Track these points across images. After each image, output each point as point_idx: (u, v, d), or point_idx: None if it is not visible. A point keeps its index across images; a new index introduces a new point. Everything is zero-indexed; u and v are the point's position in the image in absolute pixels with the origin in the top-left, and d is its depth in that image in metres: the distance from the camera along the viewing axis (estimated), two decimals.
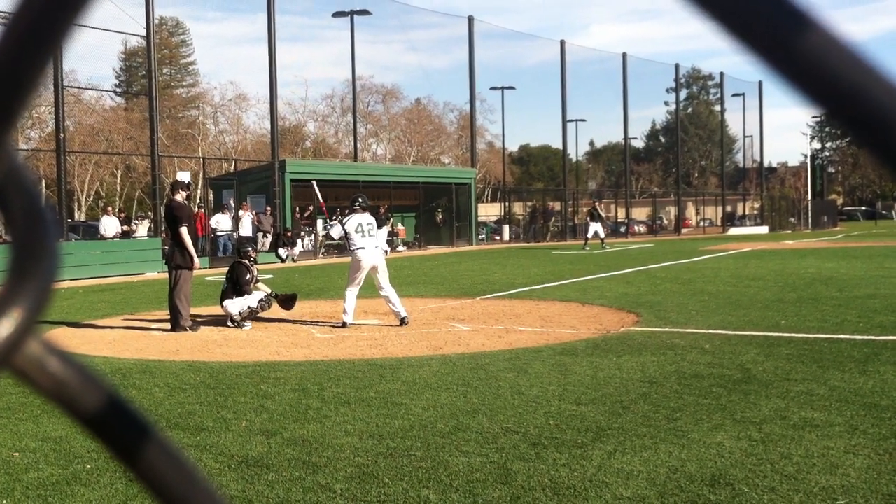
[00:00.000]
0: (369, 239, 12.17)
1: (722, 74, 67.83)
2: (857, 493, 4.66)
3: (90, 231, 33.61)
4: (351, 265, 12.41)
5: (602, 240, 37.26)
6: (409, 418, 6.57)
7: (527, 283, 19.06)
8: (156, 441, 0.52)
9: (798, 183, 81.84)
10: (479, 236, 44.71)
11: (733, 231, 59.59)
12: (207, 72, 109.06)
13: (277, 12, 32.34)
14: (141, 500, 4.78)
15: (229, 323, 12.39)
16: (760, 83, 69.65)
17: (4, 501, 4.91)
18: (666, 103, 77.15)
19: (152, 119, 28.78)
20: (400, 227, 39.57)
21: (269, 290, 13.02)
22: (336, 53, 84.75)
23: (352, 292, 12.14)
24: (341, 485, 5.01)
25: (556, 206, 51.86)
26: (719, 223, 64.70)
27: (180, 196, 12.67)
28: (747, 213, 69.66)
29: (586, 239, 37.57)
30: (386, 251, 12.70)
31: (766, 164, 78.98)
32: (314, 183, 14.43)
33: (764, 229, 60.56)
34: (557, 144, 55.86)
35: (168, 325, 12.29)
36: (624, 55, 55.02)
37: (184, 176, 31.16)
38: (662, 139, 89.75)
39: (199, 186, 41.34)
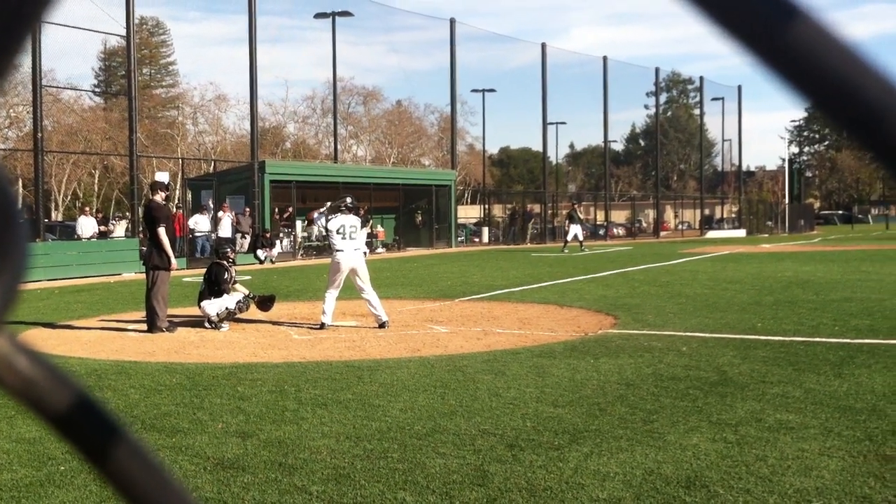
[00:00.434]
0: (350, 241, 12.15)
1: (702, 78, 68.16)
2: (832, 495, 4.70)
3: (67, 231, 33.35)
4: (330, 267, 12.39)
5: (581, 242, 37.34)
6: (386, 420, 6.56)
7: (506, 285, 19.09)
8: (126, 442, 0.52)
9: (776, 187, 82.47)
10: (459, 238, 44.70)
11: (711, 234, 59.87)
12: (187, 72, 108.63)
13: (258, 13, 32.24)
14: (115, 502, 4.76)
15: (206, 324, 12.33)
16: (740, 87, 70.14)
17: None
18: (646, 107, 77.74)
19: (131, 119, 28.62)
20: (379, 228, 39.50)
21: (246, 292, 12.98)
22: (317, 55, 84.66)
23: (331, 294, 12.13)
24: (318, 487, 5.00)
25: (536, 208, 51.92)
26: (697, 226, 64.99)
27: (159, 197, 12.67)
28: (725, 216, 70.01)
29: (565, 241, 37.64)
30: (365, 253, 12.68)
31: (744, 167, 79.53)
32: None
33: (741, 233, 60.86)
34: (538, 147, 56.01)
35: (145, 326, 12.23)
36: (604, 58, 55.18)
37: (162, 176, 30.98)
38: (642, 142, 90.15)
39: (178, 187, 41.14)
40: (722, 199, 71.67)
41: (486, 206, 51.59)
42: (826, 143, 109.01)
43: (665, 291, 16.71)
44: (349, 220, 12.28)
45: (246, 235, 31.69)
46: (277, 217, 34.56)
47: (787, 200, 70.65)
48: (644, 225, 64.43)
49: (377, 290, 12.49)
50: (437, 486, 4.96)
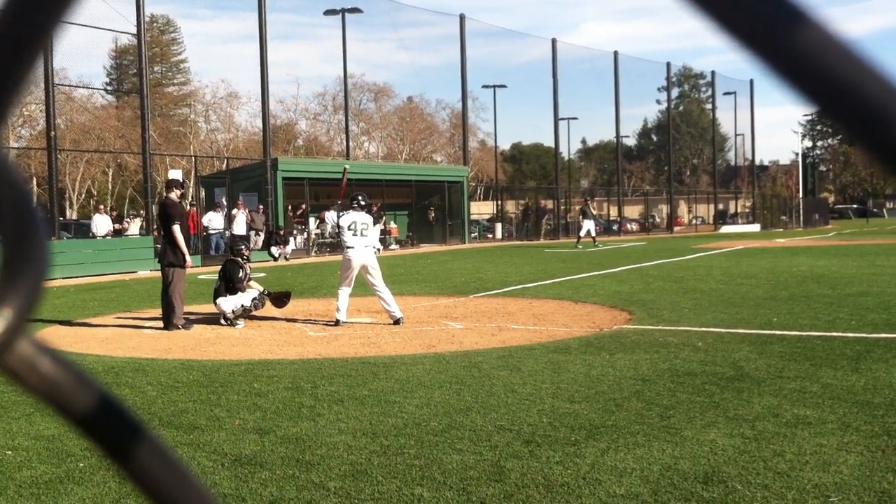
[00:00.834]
0: (360, 238, 12.15)
1: (713, 73, 67.99)
2: (850, 490, 4.67)
3: (82, 229, 33.51)
4: (342, 264, 12.41)
5: (594, 238, 37.29)
6: (402, 416, 6.56)
7: (519, 281, 19.07)
8: (148, 441, 0.52)
9: (789, 181, 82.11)
10: (472, 234, 44.72)
11: (725, 229, 59.70)
12: (199, 70, 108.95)
13: (268, 10, 32.31)
14: (134, 498, 4.77)
15: (222, 321, 12.37)
16: (752, 81, 69.83)
17: None
18: (658, 102, 77.40)
19: (143, 117, 28.71)
20: (392, 225, 39.54)
21: (261, 289, 13.00)
22: (327, 51, 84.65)
23: (344, 291, 12.14)
24: (335, 483, 5.00)
25: (549, 204, 51.87)
26: (711, 221, 64.81)
27: (174, 194, 12.74)
28: (739, 211, 69.79)
29: (578, 237, 37.61)
30: (378, 249, 12.68)
31: (757, 162, 79.22)
32: (346, 168, 14.33)
33: (756, 227, 60.68)
34: (549, 143, 56.05)
35: (161, 324, 12.27)
36: (615, 53, 55.07)
37: (175, 174, 31.09)
38: (654, 137, 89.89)
39: (191, 185, 41.27)
40: (735, 194, 71.45)
41: (499, 203, 51.58)
42: (840, 136, 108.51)
43: (680, 287, 16.66)
44: (360, 217, 12.29)
45: (260, 233, 31.77)
46: (291, 214, 34.64)
47: (801, 195, 70.44)
48: (657, 220, 64.31)
49: (391, 287, 12.50)
50: (453, 482, 4.96)
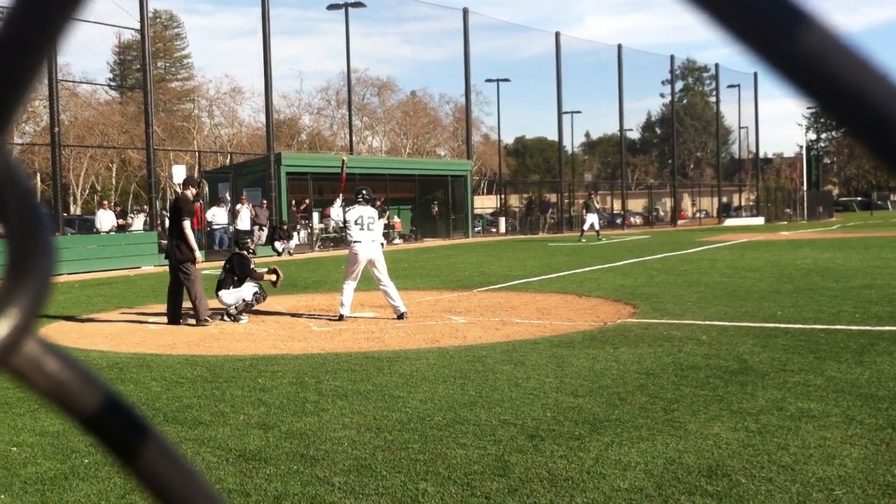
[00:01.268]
0: (367, 233, 12.15)
1: (717, 66, 67.83)
2: (854, 483, 4.67)
3: (86, 225, 33.52)
4: (348, 258, 12.40)
5: (598, 231, 37.25)
6: (406, 411, 6.57)
7: (523, 275, 19.07)
8: (154, 440, 0.52)
9: (794, 174, 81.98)
10: (476, 228, 44.69)
11: (729, 222, 59.60)
12: (202, 65, 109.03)
13: (271, 5, 32.27)
14: (139, 494, 4.78)
15: (225, 317, 12.37)
16: (756, 74, 69.65)
17: (3, 496, 4.90)
18: (661, 95, 77.37)
19: (147, 113, 28.72)
20: (396, 219, 39.52)
21: (258, 282, 12.93)
22: (331, 46, 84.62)
23: (349, 285, 12.14)
24: (339, 478, 5.01)
25: (553, 197, 51.82)
26: (715, 214, 64.73)
27: (190, 192, 12.96)
28: (743, 204, 69.71)
29: (582, 231, 37.58)
30: (382, 244, 12.68)
31: (761, 155, 79.16)
32: (344, 160, 14.30)
33: (760, 220, 60.58)
34: (553, 136, 55.87)
35: (165, 320, 12.30)
36: (619, 46, 54.95)
37: (179, 169, 31.12)
38: (658, 130, 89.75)
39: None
40: (739, 187, 71.34)
41: (503, 197, 51.54)
42: (844, 130, 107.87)
43: (683, 280, 16.65)
44: (366, 212, 12.28)
45: (264, 227, 31.79)
46: (294, 209, 34.64)
47: (805, 187, 70.25)
48: (661, 213, 64.22)
49: (395, 281, 12.51)
50: (458, 477, 4.96)
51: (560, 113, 51.11)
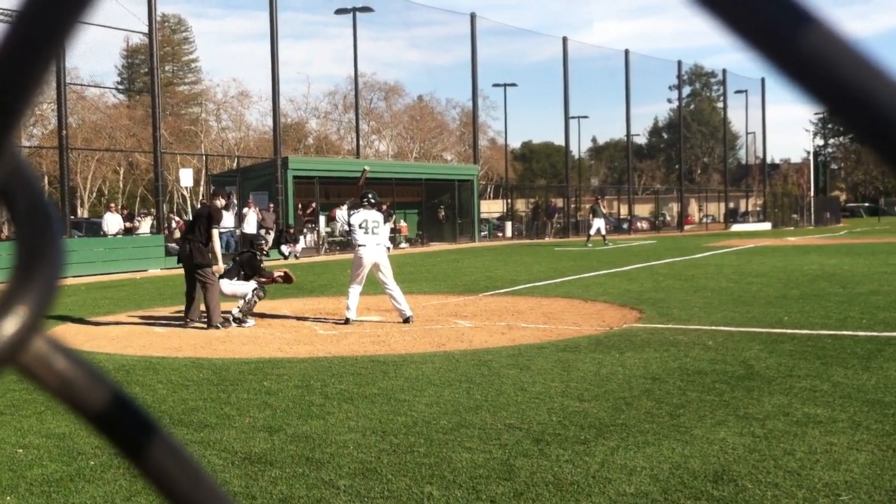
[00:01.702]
0: (372, 237, 12.16)
1: (724, 71, 67.77)
2: (861, 489, 4.66)
3: (93, 228, 33.57)
4: (353, 262, 12.42)
5: (604, 236, 37.23)
6: (412, 415, 6.57)
7: (529, 279, 19.06)
8: (161, 439, 0.52)
9: (801, 179, 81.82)
10: (482, 233, 44.69)
11: (736, 227, 59.53)
12: (210, 69, 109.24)
13: (279, 9, 32.34)
14: (145, 496, 4.79)
15: (232, 322, 12.36)
16: (763, 80, 69.59)
17: (9, 498, 4.92)
18: (669, 100, 77.27)
19: (155, 116, 28.79)
20: (402, 223, 39.54)
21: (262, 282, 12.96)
22: (338, 50, 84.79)
23: (354, 289, 12.15)
24: (345, 481, 5.01)
25: (559, 202, 51.81)
26: (722, 220, 64.63)
27: (219, 202, 13.22)
28: (750, 209, 69.59)
29: (588, 235, 37.56)
30: (388, 248, 12.70)
31: (768, 160, 78.97)
32: (366, 169, 14.37)
33: (767, 226, 60.49)
34: (560, 141, 55.93)
35: (171, 323, 12.33)
36: (626, 52, 54.97)
37: (186, 173, 31.18)
38: (665, 136, 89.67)
39: (202, 183, 41.35)
40: (747, 193, 71.24)
41: (509, 201, 51.53)
42: (851, 135, 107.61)
43: (690, 285, 16.63)
44: (371, 216, 12.30)
45: (270, 231, 31.83)
46: (301, 213, 34.68)
47: (812, 193, 70.18)
48: (668, 219, 64.15)
49: (401, 285, 12.51)
50: (463, 481, 4.96)
51: (567, 118, 51.13)
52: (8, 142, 0.44)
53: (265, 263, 13.30)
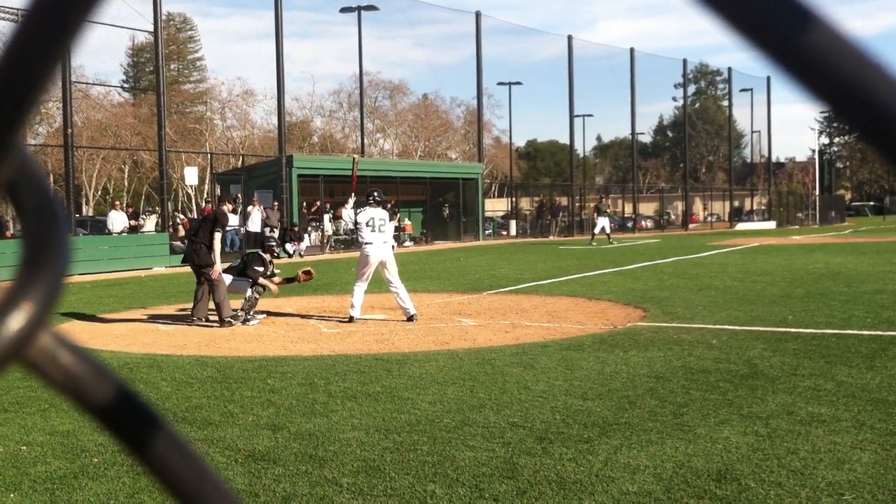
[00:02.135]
0: (379, 234, 12.17)
1: (730, 70, 67.69)
2: (864, 488, 4.66)
3: (98, 226, 33.61)
4: (359, 260, 12.42)
5: (609, 235, 37.21)
6: (415, 413, 6.58)
7: (533, 278, 19.06)
8: (166, 434, 0.53)
9: (806, 178, 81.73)
10: (486, 231, 44.67)
11: (741, 226, 59.44)
12: (215, 67, 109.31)
13: (284, 8, 32.36)
14: (148, 493, 4.80)
15: (237, 321, 12.37)
16: (768, 78, 69.49)
17: (12, 495, 4.93)
18: (674, 99, 77.08)
19: (160, 115, 28.81)
20: (407, 222, 39.52)
21: (275, 289, 12.93)
22: (343, 49, 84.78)
23: (360, 287, 12.15)
24: (348, 479, 5.02)
25: (564, 201, 51.78)
26: (727, 218, 64.56)
27: (227, 207, 13.58)
28: (755, 208, 69.50)
29: (593, 234, 37.54)
30: (393, 246, 12.70)
31: (773, 159, 78.95)
32: (355, 158, 14.42)
33: (771, 224, 60.41)
34: (564, 140, 55.88)
35: (175, 321, 12.35)
36: (631, 50, 54.90)
37: (191, 171, 31.21)
38: (670, 134, 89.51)
39: (207, 182, 41.37)
40: (751, 191, 71.14)
41: (514, 199, 51.51)
42: (856, 134, 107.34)
43: (694, 284, 16.61)
44: (378, 213, 12.30)
45: (275, 229, 31.85)
46: (305, 211, 34.69)
47: (817, 192, 70.02)
48: (673, 217, 64.07)
49: (405, 284, 12.52)
50: (466, 479, 4.97)
51: (572, 116, 51.10)
52: (15, 139, 0.45)
53: (275, 262, 13.31)
